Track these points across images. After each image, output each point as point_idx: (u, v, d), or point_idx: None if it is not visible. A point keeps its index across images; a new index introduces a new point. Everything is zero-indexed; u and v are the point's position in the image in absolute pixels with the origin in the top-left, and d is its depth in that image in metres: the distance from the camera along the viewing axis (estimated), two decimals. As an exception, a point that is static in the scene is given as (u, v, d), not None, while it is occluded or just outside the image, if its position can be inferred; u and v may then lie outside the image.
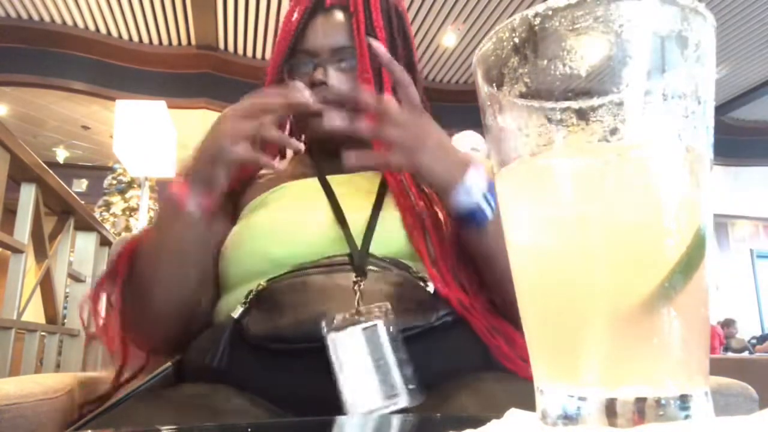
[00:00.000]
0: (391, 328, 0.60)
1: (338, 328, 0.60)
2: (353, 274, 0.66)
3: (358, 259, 0.68)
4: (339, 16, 0.83)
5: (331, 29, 0.82)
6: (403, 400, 0.57)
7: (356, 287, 0.64)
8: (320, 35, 0.82)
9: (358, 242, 0.70)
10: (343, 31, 0.82)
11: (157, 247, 0.71)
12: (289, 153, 0.98)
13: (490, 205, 0.65)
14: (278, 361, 0.62)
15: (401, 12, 0.88)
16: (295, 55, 0.83)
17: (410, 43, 0.88)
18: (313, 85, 0.79)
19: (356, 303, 0.63)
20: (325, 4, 0.83)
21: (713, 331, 6.69)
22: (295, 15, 0.84)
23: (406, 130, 0.66)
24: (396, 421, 0.53)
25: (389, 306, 0.62)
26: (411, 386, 0.57)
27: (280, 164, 0.92)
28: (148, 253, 0.72)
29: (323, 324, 0.60)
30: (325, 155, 0.87)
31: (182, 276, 0.71)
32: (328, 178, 0.81)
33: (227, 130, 0.66)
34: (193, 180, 0.68)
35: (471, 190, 0.65)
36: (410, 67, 0.85)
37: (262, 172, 0.91)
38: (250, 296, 0.66)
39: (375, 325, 0.60)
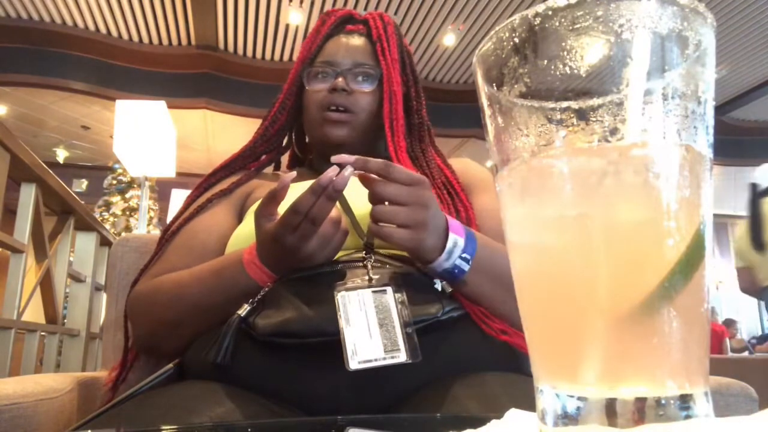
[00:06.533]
0: (399, 295, 0.63)
1: (349, 289, 0.63)
2: (362, 270, 0.67)
3: (368, 238, 0.71)
4: (359, 39, 0.96)
5: (353, 47, 0.94)
6: (402, 356, 0.58)
7: (367, 262, 0.67)
8: (342, 50, 0.94)
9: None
10: (362, 51, 0.94)
11: (203, 303, 0.71)
12: (285, 163, 1.08)
13: (466, 260, 0.67)
14: (284, 357, 0.62)
15: (410, 52, 0.99)
16: (314, 64, 0.94)
17: (418, 78, 0.98)
18: (334, 90, 0.90)
19: (368, 277, 0.65)
20: (345, 28, 0.97)
21: (715, 329, 6.67)
22: (320, 31, 0.97)
23: (413, 210, 0.65)
24: (397, 421, 0.53)
25: (399, 278, 0.65)
26: (412, 345, 0.59)
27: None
28: (193, 304, 0.72)
29: (335, 284, 0.64)
30: (327, 163, 0.91)
31: (222, 317, 0.69)
32: None
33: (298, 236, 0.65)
34: (276, 268, 0.68)
35: (451, 255, 0.66)
36: (418, 98, 0.96)
37: (266, 172, 0.99)
38: (258, 297, 0.66)
39: (384, 290, 0.63)
